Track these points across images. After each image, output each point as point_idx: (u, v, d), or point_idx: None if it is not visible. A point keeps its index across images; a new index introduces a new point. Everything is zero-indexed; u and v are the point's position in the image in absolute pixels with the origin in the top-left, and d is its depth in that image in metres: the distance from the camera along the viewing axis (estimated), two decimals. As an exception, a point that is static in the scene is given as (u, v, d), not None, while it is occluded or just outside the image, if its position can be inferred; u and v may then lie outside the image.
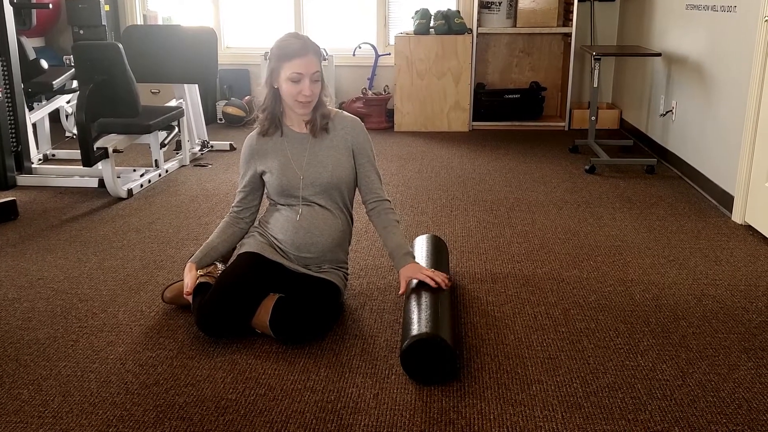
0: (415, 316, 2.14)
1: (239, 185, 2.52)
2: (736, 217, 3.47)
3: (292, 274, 2.40)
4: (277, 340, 2.27)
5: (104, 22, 5.75)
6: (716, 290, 2.68)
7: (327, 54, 5.93)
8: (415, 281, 2.35)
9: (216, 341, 2.29)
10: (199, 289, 2.36)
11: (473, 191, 4.04)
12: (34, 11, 4.94)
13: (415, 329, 2.07)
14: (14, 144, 4.21)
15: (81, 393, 2.01)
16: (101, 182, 4.02)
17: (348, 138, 2.42)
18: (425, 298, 2.23)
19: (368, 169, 2.46)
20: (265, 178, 2.45)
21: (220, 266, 2.48)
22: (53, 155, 4.91)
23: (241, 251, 2.44)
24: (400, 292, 2.35)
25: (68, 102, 5.09)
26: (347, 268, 2.54)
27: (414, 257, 2.42)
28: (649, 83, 5.07)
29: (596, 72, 4.66)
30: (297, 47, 2.27)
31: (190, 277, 2.36)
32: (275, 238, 2.42)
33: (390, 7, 6.27)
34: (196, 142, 4.98)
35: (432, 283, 2.28)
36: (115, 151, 3.91)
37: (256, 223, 2.54)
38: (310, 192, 2.39)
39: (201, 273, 2.41)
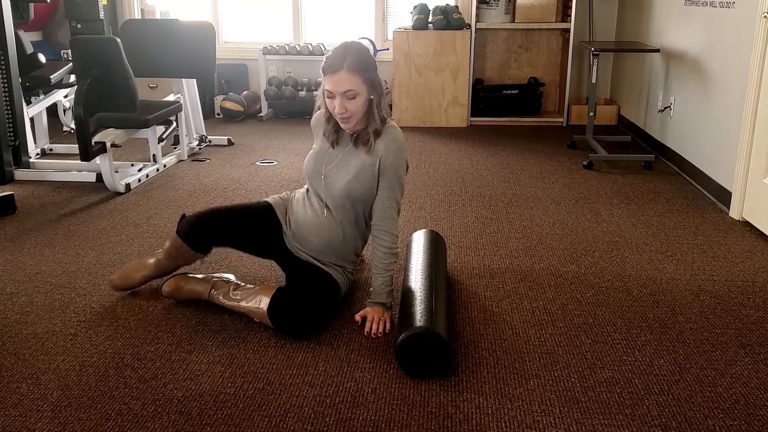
0: (410, 311, 2.15)
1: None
2: (734, 213, 3.48)
3: (292, 256, 2.46)
4: (275, 332, 2.27)
5: (102, 17, 5.74)
6: (714, 286, 2.69)
7: (325, 49, 5.92)
8: (412, 275, 2.40)
9: (214, 336, 2.29)
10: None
11: (471, 187, 4.04)
12: (31, 5, 4.92)
13: (409, 324, 2.07)
14: (12, 138, 4.20)
15: (79, 387, 2.01)
16: (99, 177, 4.02)
17: (379, 157, 2.32)
18: (420, 294, 2.24)
19: (384, 194, 2.35)
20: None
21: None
22: (51, 150, 4.90)
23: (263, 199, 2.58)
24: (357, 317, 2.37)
25: (66, 96, 5.08)
26: (350, 270, 2.51)
27: (383, 302, 2.36)
28: (648, 79, 5.07)
29: (594, 68, 4.66)
30: (332, 62, 2.22)
31: None
32: (290, 211, 2.50)
33: (388, 2, 6.26)
34: (194, 136, 4.97)
35: (366, 328, 2.30)
36: (113, 145, 3.90)
37: (298, 190, 2.59)
38: (326, 194, 2.39)
39: None
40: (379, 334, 2.28)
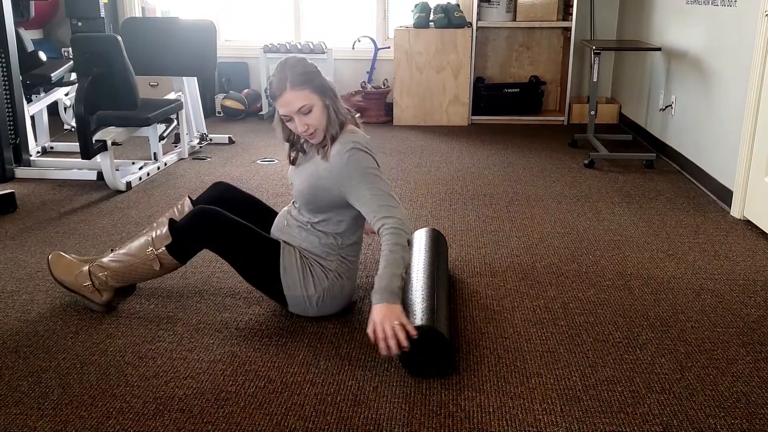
0: (411, 310, 2.14)
1: None
2: (735, 212, 3.47)
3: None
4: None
5: (103, 15, 5.72)
6: (715, 284, 2.68)
7: (326, 47, 5.92)
8: (413, 274, 2.37)
9: (215, 334, 2.29)
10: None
11: (472, 185, 4.04)
12: (32, 3, 4.91)
13: (412, 322, 2.07)
14: (13, 136, 4.20)
15: (80, 385, 2.01)
16: (100, 175, 4.02)
17: (332, 164, 2.22)
18: (422, 292, 2.24)
19: (365, 192, 2.18)
20: None
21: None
22: (52, 148, 4.90)
23: None
24: (368, 331, 2.03)
25: (67, 94, 5.07)
26: (318, 266, 2.33)
27: (391, 297, 2.03)
28: (649, 78, 5.06)
29: (596, 66, 4.66)
30: (275, 86, 2.18)
31: None
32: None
33: (389, 0, 6.25)
34: (195, 135, 4.97)
35: (372, 337, 2.01)
36: (113, 143, 3.90)
37: None
38: (294, 195, 2.40)
39: None
40: (403, 348, 1.96)
